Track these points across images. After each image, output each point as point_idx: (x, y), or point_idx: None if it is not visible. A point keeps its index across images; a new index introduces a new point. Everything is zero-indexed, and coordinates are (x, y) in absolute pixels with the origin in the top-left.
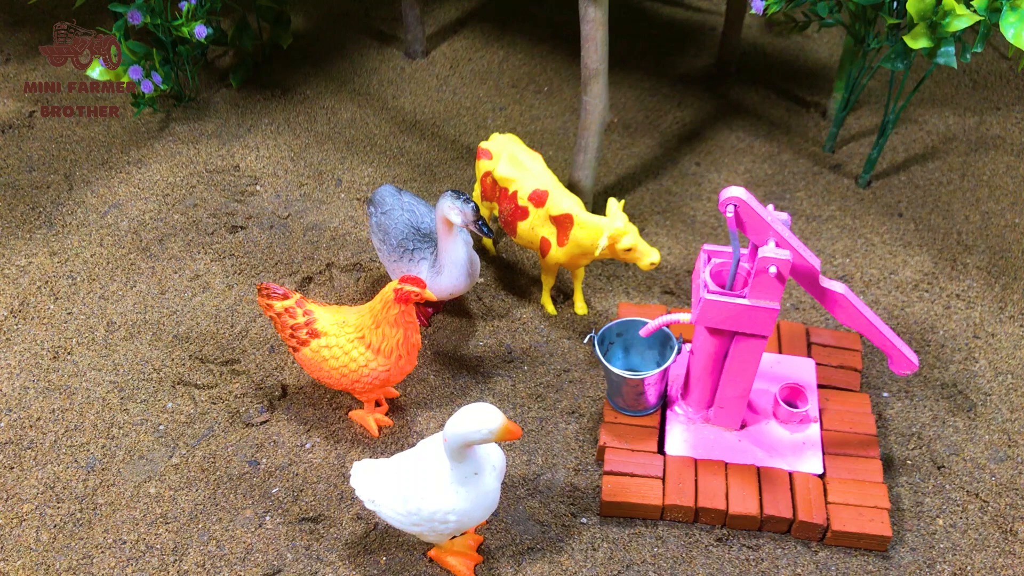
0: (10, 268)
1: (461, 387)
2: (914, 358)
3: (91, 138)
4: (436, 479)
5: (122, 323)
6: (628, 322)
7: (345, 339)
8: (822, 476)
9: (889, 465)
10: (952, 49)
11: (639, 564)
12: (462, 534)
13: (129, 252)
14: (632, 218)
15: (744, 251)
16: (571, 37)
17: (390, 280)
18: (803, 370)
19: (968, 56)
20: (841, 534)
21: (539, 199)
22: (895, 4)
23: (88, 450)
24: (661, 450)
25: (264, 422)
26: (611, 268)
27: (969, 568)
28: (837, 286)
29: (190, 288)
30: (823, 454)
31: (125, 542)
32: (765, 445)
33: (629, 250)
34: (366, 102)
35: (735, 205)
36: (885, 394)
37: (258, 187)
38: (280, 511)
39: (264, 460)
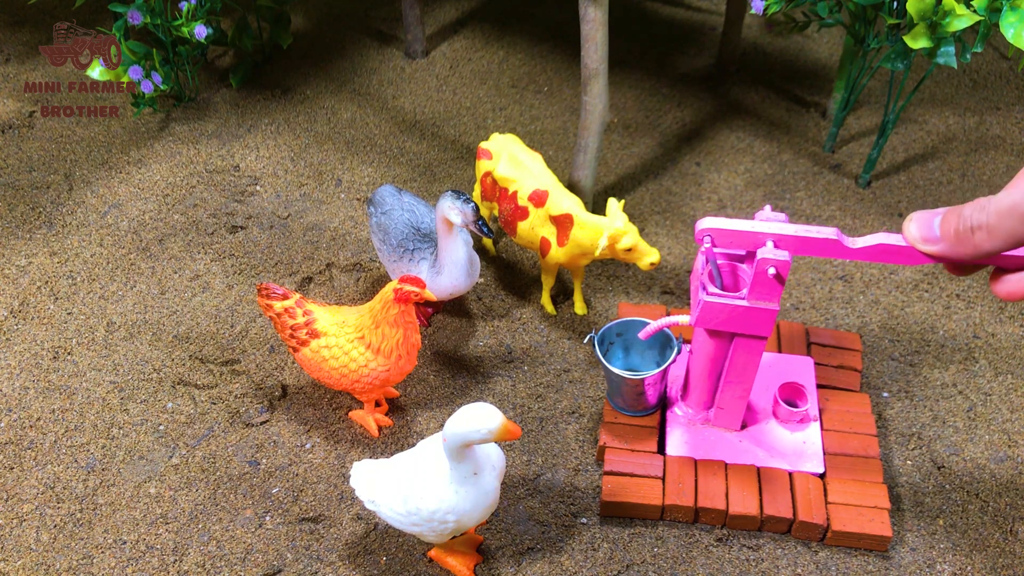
0: (10, 268)
1: (461, 387)
2: None
3: (91, 138)
4: (436, 479)
5: (122, 323)
6: (628, 322)
7: (345, 339)
8: (822, 476)
9: (889, 465)
10: (952, 49)
11: (639, 564)
12: (462, 534)
13: (129, 252)
14: (632, 218)
15: (740, 252)
16: (571, 37)
17: (390, 280)
18: (803, 370)
19: (968, 56)
20: (841, 534)
21: (539, 199)
22: (895, 4)
23: (88, 450)
24: (661, 450)
25: (264, 422)
26: (611, 268)
27: (969, 568)
28: (873, 239)
29: (190, 288)
30: (823, 454)
31: (125, 542)
32: (766, 445)
33: (629, 250)
34: (366, 102)
35: (710, 236)
36: (885, 394)
37: (258, 187)
38: (280, 511)
39: (264, 460)
